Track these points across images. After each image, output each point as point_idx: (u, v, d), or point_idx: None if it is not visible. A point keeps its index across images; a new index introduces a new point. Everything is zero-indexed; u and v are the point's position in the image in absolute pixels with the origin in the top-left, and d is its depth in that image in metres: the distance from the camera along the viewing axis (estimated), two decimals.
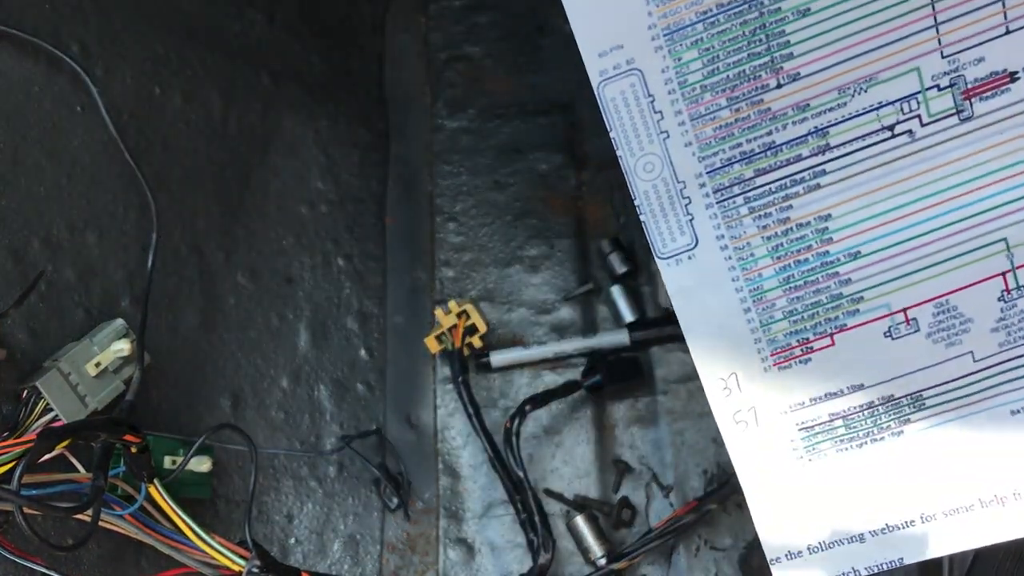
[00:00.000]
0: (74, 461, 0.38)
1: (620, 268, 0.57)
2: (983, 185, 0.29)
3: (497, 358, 0.56)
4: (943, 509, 0.32)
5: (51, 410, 0.39)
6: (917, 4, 0.28)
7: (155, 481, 0.41)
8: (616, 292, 0.57)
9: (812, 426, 0.32)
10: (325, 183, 0.60)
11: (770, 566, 0.33)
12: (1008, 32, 0.28)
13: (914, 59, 0.29)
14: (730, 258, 0.32)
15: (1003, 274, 0.30)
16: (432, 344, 0.55)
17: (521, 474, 0.50)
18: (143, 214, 0.47)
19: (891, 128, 0.30)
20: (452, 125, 0.63)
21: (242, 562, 0.43)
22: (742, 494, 0.52)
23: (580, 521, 0.51)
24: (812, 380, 0.32)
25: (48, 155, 0.43)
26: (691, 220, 0.31)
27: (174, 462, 0.45)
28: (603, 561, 0.50)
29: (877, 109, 0.30)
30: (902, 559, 0.33)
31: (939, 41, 0.29)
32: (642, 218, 0.31)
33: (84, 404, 0.40)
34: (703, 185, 0.31)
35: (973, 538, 0.32)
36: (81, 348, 0.41)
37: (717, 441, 0.54)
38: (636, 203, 0.31)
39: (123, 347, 0.42)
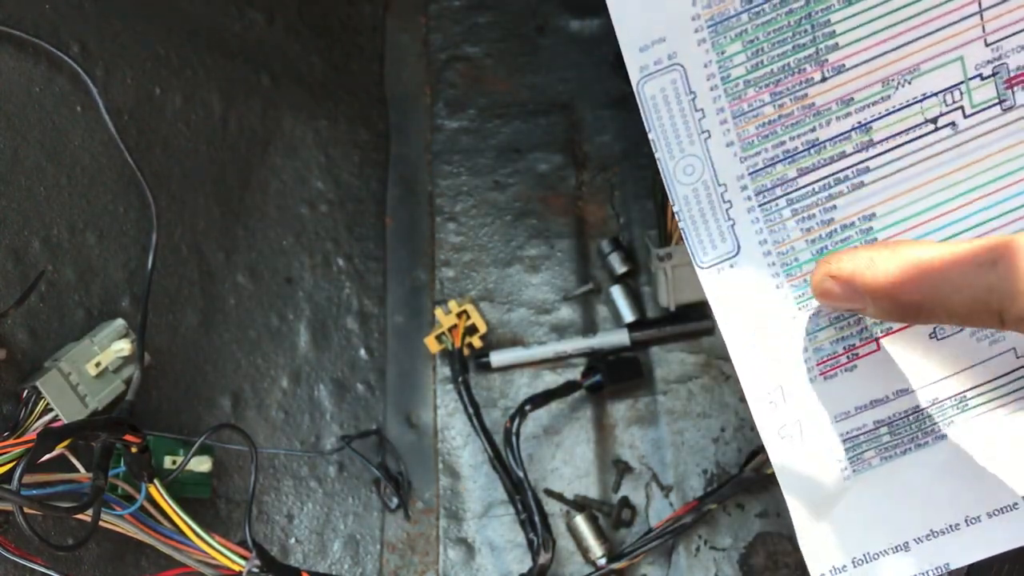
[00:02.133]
0: (74, 461, 0.38)
1: (620, 268, 0.57)
2: None
3: (497, 358, 0.56)
4: (987, 510, 0.31)
5: (51, 410, 0.39)
6: None
7: (155, 481, 0.41)
8: (616, 292, 0.57)
9: (857, 435, 0.32)
10: (325, 183, 0.60)
11: None
12: None
13: (958, 48, 0.28)
14: (773, 264, 0.30)
15: None
16: (432, 344, 0.55)
17: (521, 474, 0.50)
18: (143, 214, 0.47)
19: (934, 121, 0.29)
20: (452, 125, 0.63)
21: (242, 562, 0.43)
22: (741, 494, 0.52)
23: (580, 521, 0.51)
24: (858, 388, 0.31)
25: (48, 155, 0.43)
26: (732, 225, 0.30)
27: (174, 462, 0.45)
28: (603, 561, 0.50)
29: (920, 101, 0.29)
30: (948, 564, 0.32)
31: (983, 28, 0.28)
32: (681, 225, 0.30)
33: (84, 404, 0.40)
34: (745, 188, 0.30)
35: (1019, 537, 0.32)
36: (81, 348, 0.41)
37: (717, 441, 0.54)
38: (675, 210, 0.30)
39: (123, 347, 0.42)
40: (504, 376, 0.57)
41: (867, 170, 0.30)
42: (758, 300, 0.31)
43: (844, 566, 0.32)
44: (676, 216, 0.30)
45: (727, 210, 0.30)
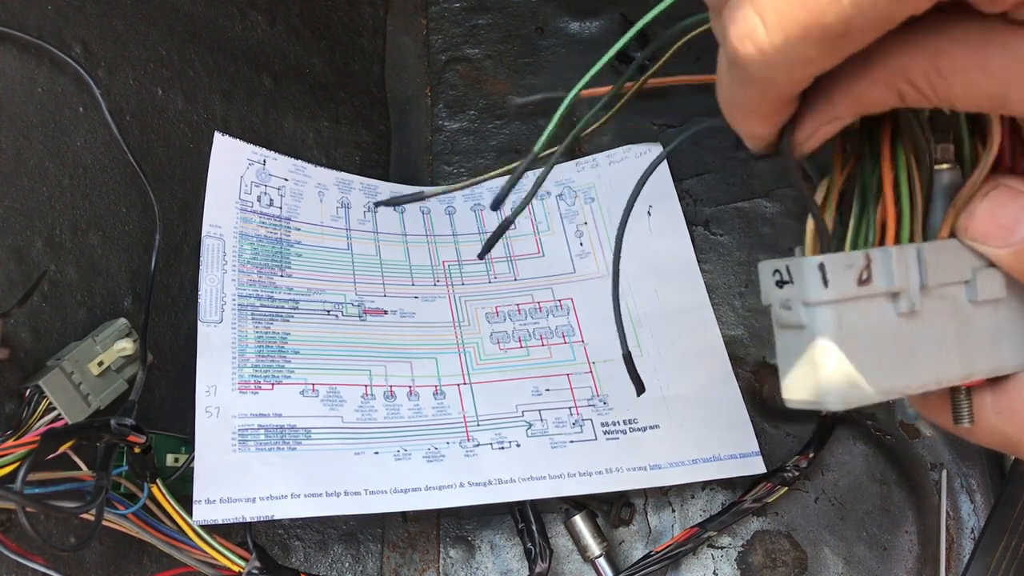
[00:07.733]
0: (76, 460, 0.39)
1: None
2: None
3: None
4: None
5: (54, 409, 0.39)
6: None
7: (157, 480, 0.41)
8: None
9: (245, 430, 0.46)
10: None
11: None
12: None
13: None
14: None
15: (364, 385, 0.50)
16: None
17: None
18: (145, 214, 0.48)
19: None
20: (452, 126, 0.64)
21: (242, 563, 0.43)
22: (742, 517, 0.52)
23: (579, 519, 0.52)
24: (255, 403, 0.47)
25: (51, 156, 0.44)
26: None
27: (176, 460, 0.45)
28: (602, 560, 0.51)
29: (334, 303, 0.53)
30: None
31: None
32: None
33: (87, 403, 0.40)
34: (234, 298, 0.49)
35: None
36: (84, 347, 0.41)
37: None
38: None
39: (126, 346, 0.42)
40: None
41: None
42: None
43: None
44: None
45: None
